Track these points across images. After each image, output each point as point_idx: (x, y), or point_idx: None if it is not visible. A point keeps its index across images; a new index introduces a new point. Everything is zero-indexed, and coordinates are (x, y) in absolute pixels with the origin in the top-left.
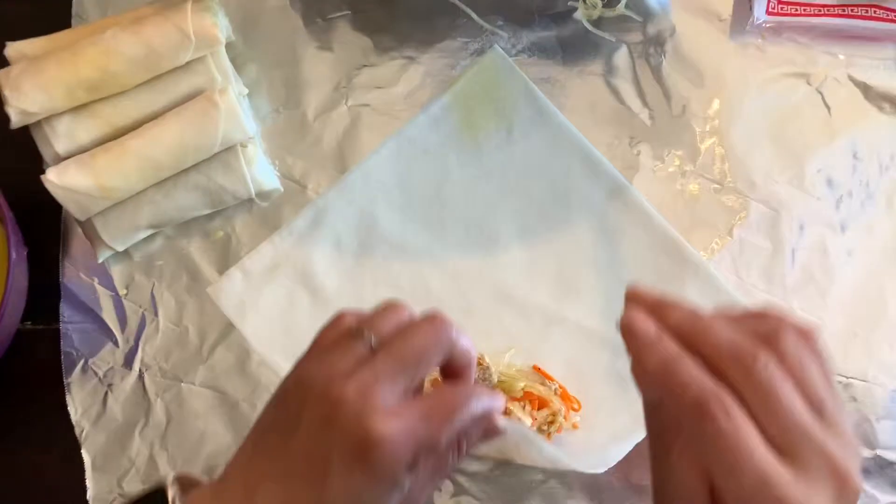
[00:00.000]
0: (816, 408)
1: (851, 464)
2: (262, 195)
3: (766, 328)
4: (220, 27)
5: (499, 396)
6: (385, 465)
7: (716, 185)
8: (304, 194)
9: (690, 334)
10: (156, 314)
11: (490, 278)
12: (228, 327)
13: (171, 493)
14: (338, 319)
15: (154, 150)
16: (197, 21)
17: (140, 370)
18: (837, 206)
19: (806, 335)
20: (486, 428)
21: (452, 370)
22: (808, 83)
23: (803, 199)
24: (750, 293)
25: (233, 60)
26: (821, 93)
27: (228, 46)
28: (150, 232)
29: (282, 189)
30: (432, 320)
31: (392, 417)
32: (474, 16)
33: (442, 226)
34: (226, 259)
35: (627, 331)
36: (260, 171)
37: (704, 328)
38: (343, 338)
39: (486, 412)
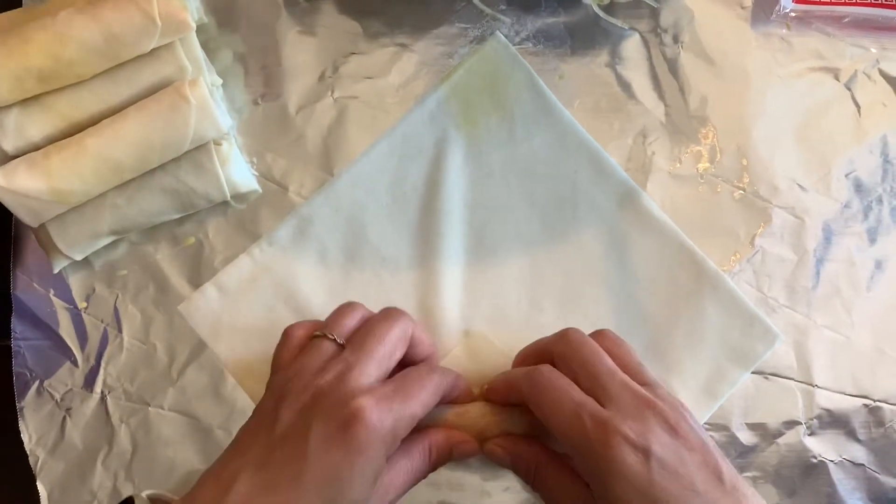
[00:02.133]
0: (627, 369)
1: (652, 396)
2: (239, 197)
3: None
4: (190, 10)
5: (461, 377)
6: (364, 439)
7: (736, 190)
8: (285, 196)
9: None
10: (119, 330)
11: (489, 293)
12: (201, 345)
13: None
14: (288, 335)
15: (115, 148)
16: (163, 3)
17: (102, 392)
18: (866, 214)
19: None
20: (460, 446)
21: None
22: (836, 78)
23: (829, 206)
24: (772, 308)
25: (205, 45)
26: (850, 89)
27: (200, 30)
28: (111, 239)
29: (260, 190)
30: (389, 313)
31: (368, 395)
32: None
33: (437, 236)
34: (197, 268)
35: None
36: (236, 172)
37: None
38: (307, 344)
39: (452, 385)
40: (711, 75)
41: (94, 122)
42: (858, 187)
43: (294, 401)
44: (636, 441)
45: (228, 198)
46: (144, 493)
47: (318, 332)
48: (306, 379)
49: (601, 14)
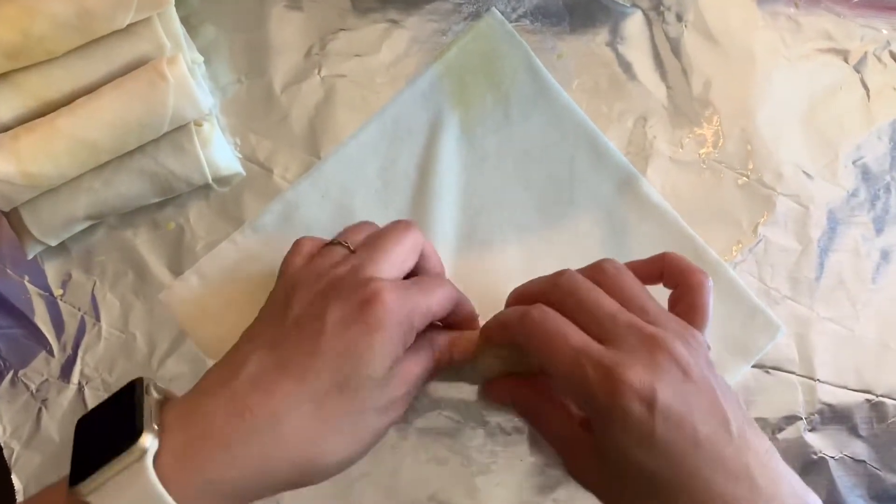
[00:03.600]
0: (630, 302)
1: (661, 333)
2: (221, 180)
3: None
4: None
5: (469, 301)
6: (382, 316)
7: (740, 177)
8: (270, 179)
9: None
10: (97, 318)
11: (482, 282)
12: (182, 334)
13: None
14: (298, 244)
15: (89, 130)
16: None
17: (80, 383)
18: (873, 203)
19: (620, 267)
20: (458, 348)
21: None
22: (846, 61)
23: (835, 194)
24: (774, 300)
25: (186, 20)
26: (859, 72)
27: (180, 4)
28: (88, 224)
29: (244, 173)
30: (399, 223)
31: (386, 282)
32: None
33: (429, 222)
34: (178, 254)
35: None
36: (217, 154)
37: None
38: (318, 251)
39: (464, 301)
40: (716, 56)
41: (66, 101)
42: (866, 175)
43: (308, 290)
44: (641, 390)
45: (210, 181)
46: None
47: (330, 241)
48: (320, 271)
49: None
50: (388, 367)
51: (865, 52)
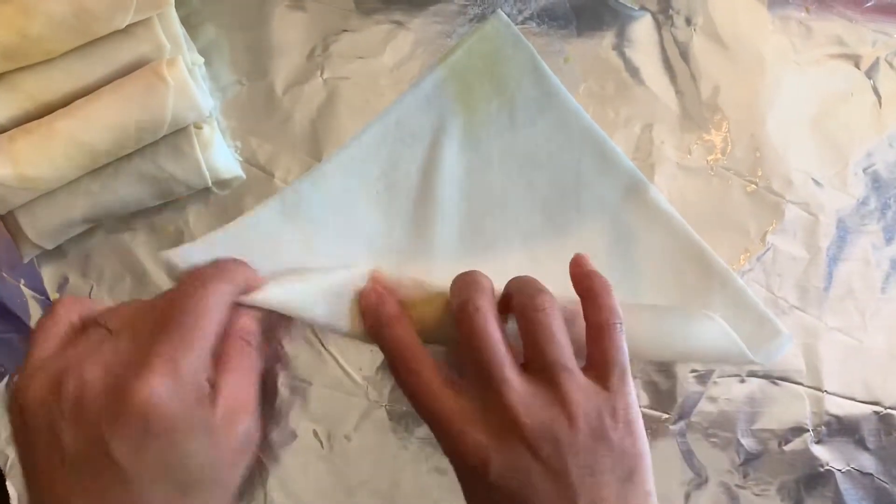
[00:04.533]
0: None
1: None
2: (221, 184)
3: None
4: None
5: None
6: (170, 425)
7: (748, 184)
8: (271, 183)
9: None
10: None
11: None
12: None
13: None
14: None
15: (88, 132)
16: None
17: None
18: (884, 212)
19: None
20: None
21: None
22: (857, 66)
23: (845, 202)
24: (782, 310)
25: (186, 20)
26: (870, 78)
27: (181, 3)
28: (85, 227)
29: (244, 177)
30: (187, 286)
31: (144, 372)
32: None
33: (431, 227)
34: None
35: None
36: (218, 157)
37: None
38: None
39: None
40: (725, 61)
41: (64, 103)
42: (876, 183)
43: (66, 414)
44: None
45: (210, 184)
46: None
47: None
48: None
49: None
50: (209, 439)
51: (877, 58)
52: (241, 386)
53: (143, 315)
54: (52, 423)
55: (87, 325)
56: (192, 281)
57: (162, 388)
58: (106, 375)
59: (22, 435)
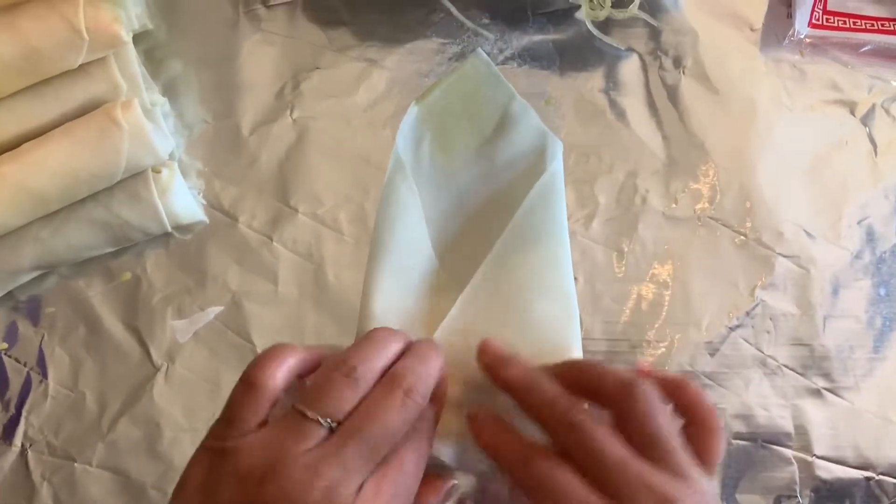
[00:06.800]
0: (642, 445)
1: (674, 489)
2: (182, 228)
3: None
4: (129, 18)
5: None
6: None
7: (737, 236)
8: (235, 228)
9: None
10: (44, 375)
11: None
12: (134, 395)
13: None
14: (253, 387)
15: (36, 178)
16: (91, 14)
17: (23, 445)
18: (878, 267)
19: (626, 382)
20: None
21: None
22: (852, 113)
23: (838, 256)
24: (770, 370)
25: (151, 53)
26: (866, 125)
27: (144, 37)
28: (35, 274)
29: (207, 221)
30: (406, 393)
31: None
32: (454, 10)
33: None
34: (134, 307)
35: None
36: (177, 201)
37: (531, 385)
38: (291, 419)
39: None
40: (714, 105)
41: (12, 146)
42: (870, 236)
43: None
44: None
45: (169, 230)
46: None
47: (302, 408)
48: (291, 470)
49: (595, 32)
50: None
51: (873, 105)
52: None
53: (378, 417)
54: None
55: (296, 411)
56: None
57: None
58: (325, 497)
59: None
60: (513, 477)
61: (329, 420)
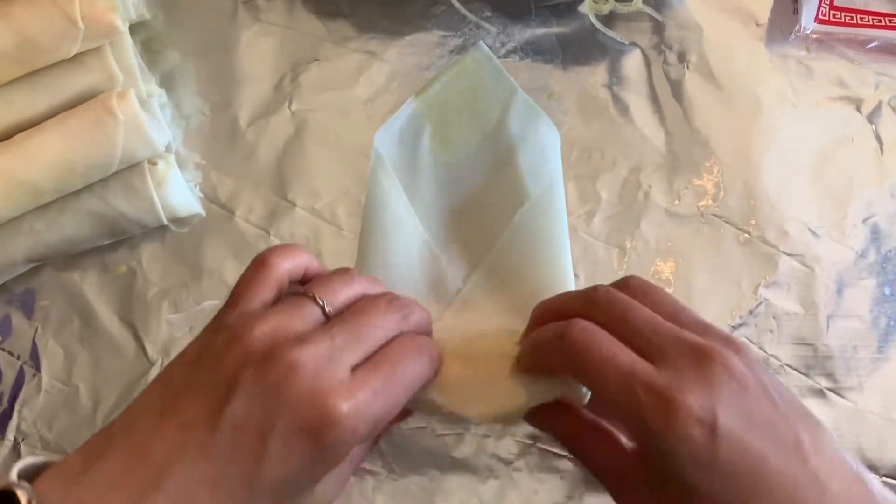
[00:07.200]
0: (669, 315)
1: (711, 344)
2: (179, 221)
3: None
4: (125, 7)
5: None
6: (337, 445)
7: (741, 233)
8: (231, 221)
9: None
10: (37, 368)
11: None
12: (129, 388)
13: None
14: (266, 265)
15: (30, 169)
16: (87, 3)
17: (15, 439)
18: (883, 266)
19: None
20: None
21: None
22: (858, 110)
23: (843, 255)
24: (773, 369)
25: (149, 43)
26: (872, 123)
27: (141, 27)
28: (29, 266)
29: (203, 214)
30: (389, 301)
31: (349, 396)
32: (456, 3)
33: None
34: (128, 300)
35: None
36: (174, 194)
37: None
38: (292, 299)
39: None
40: (719, 101)
41: (6, 136)
42: (875, 235)
43: (262, 367)
44: (700, 414)
45: (165, 222)
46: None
47: (306, 290)
48: (284, 342)
49: (599, 26)
50: (335, 489)
51: (880, 102)
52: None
53: (364, 311)
54: (234, 383)
55: (297, 293)
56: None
57: (357, 417)
58: (314, 377)
59: (191, 359)
60: (552, 356)
61: (325, 301)
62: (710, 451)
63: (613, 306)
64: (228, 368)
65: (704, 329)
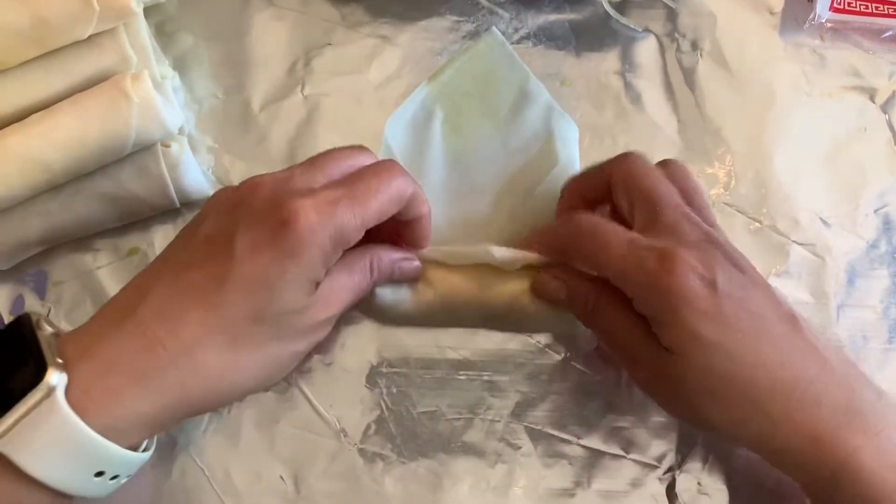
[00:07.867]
0: (695, 208)
1: (716, 233)
2: (191, 204)
3: None
4: None
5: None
6: (296, 244)
7: (752, 222)
8: None
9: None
10: None
11: None
12: None
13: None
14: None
15: (44, 149)
16: None
17: None
18: (894, 256)
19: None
20: (401, 264)
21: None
22: (872, 100)
23: (855, 245)
24: None
25: (162, 27)
26: (886, 113)
27: (155, 10)
28: (42, 248)
29: None
30: (382, 164)
31: (307, 197)
32: None
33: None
34: None
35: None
36: (187, 176)
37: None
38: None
39: (415, 197)
40: (732, 89)
41: (19, 117)
42: (887, 225)
43: (223, 202)
44: (701, 270)
45: (178, 205)
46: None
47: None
48: (249, 190)
49: (612, 13)
50: (306, 294)
51: (893, 92)
52: (348, 285)
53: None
54: (212, 204)
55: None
56: (393, 166)
57: (313, 214)
58: (275, 186)
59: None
60: (559, 245)
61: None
62: (714, 305)
63: (641, 176)
64: (200, 214)
65: (717, 229)
